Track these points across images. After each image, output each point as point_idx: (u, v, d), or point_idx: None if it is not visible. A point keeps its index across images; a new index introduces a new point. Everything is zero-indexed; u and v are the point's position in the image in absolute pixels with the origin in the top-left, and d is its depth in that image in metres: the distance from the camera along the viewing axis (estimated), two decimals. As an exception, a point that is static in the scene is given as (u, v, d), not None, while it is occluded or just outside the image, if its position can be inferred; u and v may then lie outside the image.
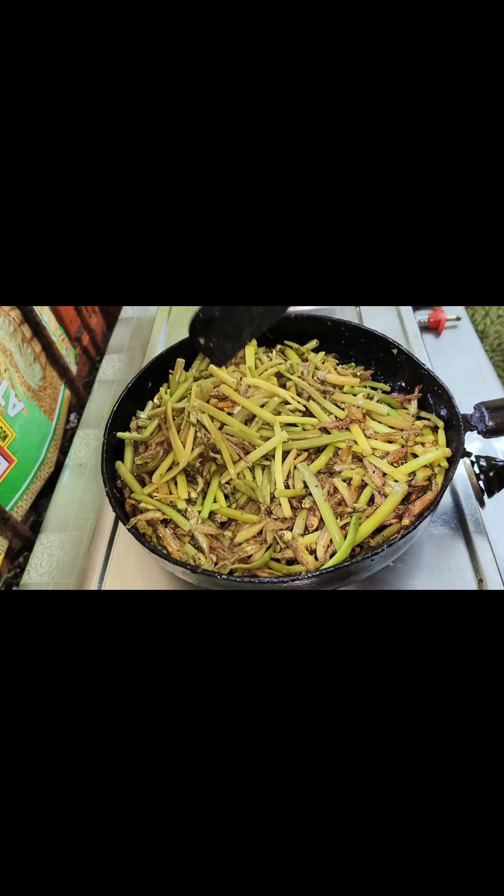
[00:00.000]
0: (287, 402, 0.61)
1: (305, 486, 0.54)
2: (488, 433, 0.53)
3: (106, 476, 0.56)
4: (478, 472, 0.70)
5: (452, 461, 0.52)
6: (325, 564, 0.49)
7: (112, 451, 0.60)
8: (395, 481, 0.53)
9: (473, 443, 0.78)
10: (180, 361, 0.68)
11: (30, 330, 0.79)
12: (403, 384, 0.66)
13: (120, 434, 0.62)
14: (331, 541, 0.50)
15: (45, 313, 0.84)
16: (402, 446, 0.56)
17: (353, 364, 0.70)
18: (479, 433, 0.54)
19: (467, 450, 0.55)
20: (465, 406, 0.56)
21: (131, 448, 0.63)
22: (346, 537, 0.49)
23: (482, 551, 0.58)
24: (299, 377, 0.64)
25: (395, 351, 0.65)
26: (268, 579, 0.45)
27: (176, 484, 0.57)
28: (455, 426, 0.54)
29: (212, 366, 0.64)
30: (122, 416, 0.64)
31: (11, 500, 0.70)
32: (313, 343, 0.72)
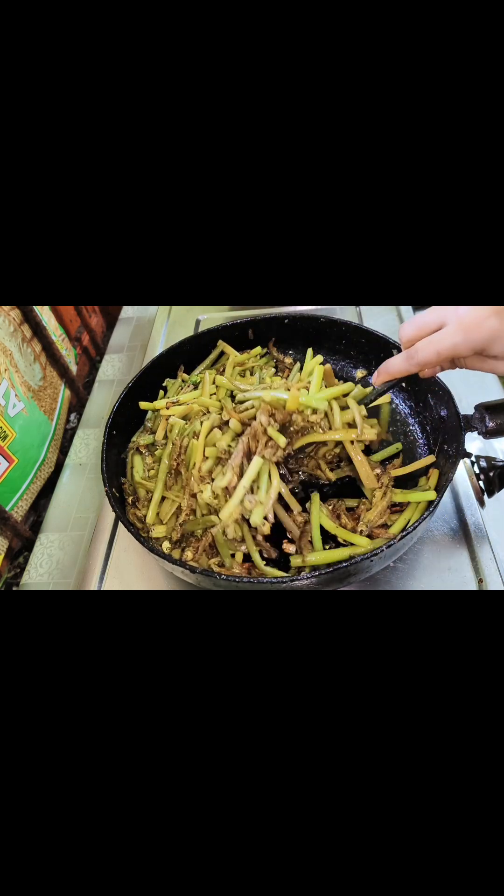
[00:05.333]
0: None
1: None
2: (488, 434, 0.53)
3: (105, 476, 0.56)
4: (478, 472, 0.70)
5: (452, 463, 0.52)
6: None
7: (112, 450, 0.60)
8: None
9: (473, 443, 0.77)
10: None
11: (30, 330, 0.79)
12: (404, 384, 0.66)
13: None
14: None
15: (45, 313, 0.84)
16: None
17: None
18: (479, 434, 0.54)
19: (467, 450, 0.54)
20: (464, 405, 0.56)
21: (140, 458, 0.63)
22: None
23: (482, 551, 0.58)
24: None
25: (395, 351, 0.65)
26: (267, 579, 0.45)
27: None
28: (455, 427, 0.54)
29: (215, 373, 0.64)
30: (123, 415, 0.64)
31: (11, 500, 0.70)
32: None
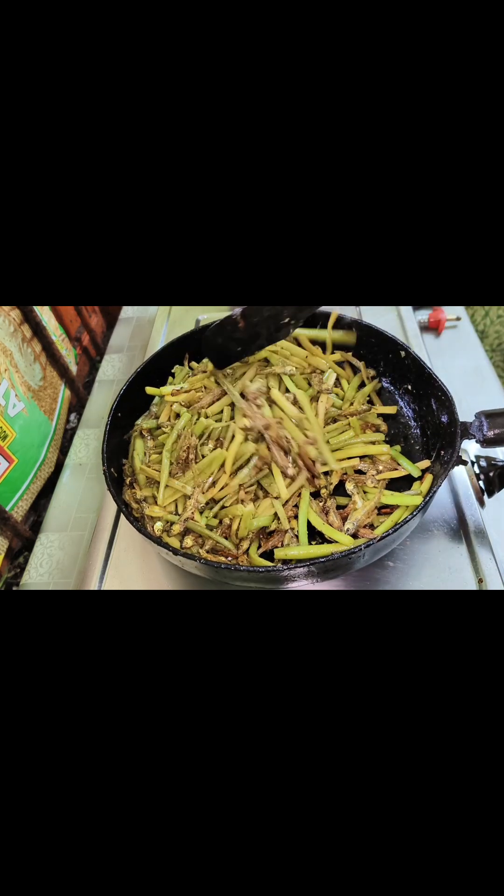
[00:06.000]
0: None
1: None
2: (486, 442, 0.52)
3: (105, 455, 0.56)
4: (478, 472, 0.70)
5: (444, 470, 0.52)
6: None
7: (115, 431, 0.61)
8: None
9: (474, 444, 0.78)
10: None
11: (30, 330, 0.79)
12: (410, 387, 0.66)
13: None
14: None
15: (45, 313, 0.84)
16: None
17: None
18: (477, 442, 0.54)
19: (462, 458, 0.54)
20: (463, 406, 0.56)
21: (142, 441, 0.63)
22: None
23: (482, 551, 0.58)
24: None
25: (403, 353, 0.65)
26: (244, 567, 0.47)
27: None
28: (452, 434, 0.54)
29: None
30: (129, 399, 0.65)
31: (11, 500, 0.70)
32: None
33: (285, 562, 0.51)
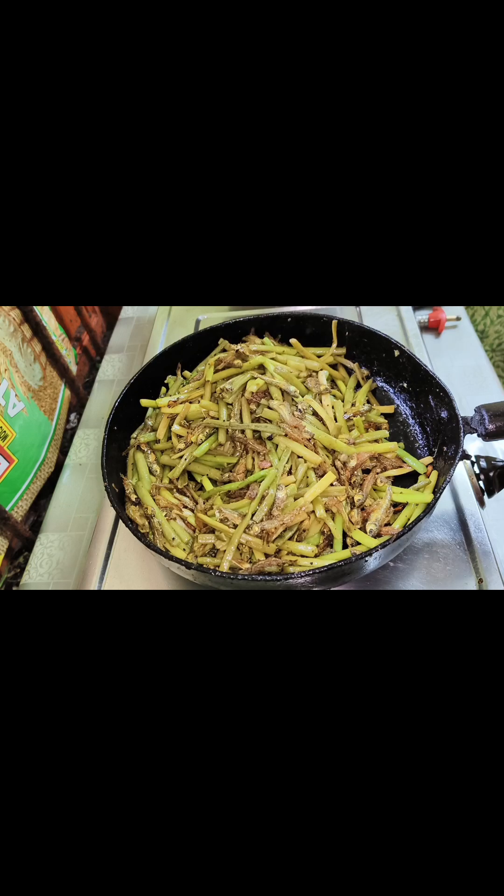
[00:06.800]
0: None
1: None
2: (488, 436, 0.53)
3: (105, 471, 0.56)
4: (478, 472, 0.70)
5: (450, 465, 0.52)
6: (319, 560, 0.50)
7: (112, 445, 0.61)
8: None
9: (473, 443, 0.78)
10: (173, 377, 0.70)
11: (30, 330, 0.79)
12: (405, 385, 0.66)
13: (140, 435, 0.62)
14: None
15: (45, 313, 0.84)
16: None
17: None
18: (478, 436, 0.54)
19: (466, 451, 0.55)
20: (464, 406, 0.56)
21: (143, 456, 0.63)
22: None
23: (482, 551, 0.58)
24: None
25: (397, 352, 0.65)
26: (261, 577, 0.46)
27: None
28: (454, 429, 0.54)
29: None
30: (125, 411, 0.64)
31: (11, 500, 0.70)
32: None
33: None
